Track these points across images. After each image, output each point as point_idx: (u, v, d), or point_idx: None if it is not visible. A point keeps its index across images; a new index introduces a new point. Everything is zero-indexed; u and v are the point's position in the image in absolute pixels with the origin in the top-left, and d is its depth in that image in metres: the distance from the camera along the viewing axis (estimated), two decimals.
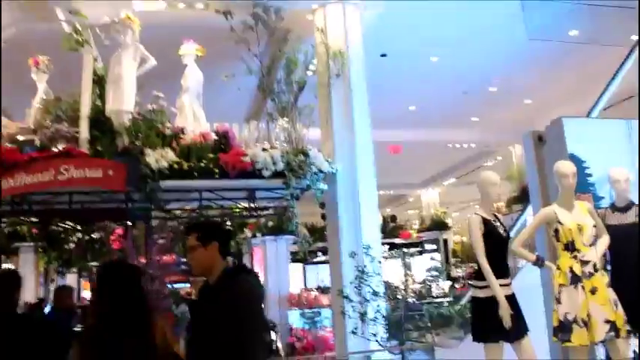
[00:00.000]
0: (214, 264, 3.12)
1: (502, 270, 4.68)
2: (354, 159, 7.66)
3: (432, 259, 19.85)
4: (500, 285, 4.56)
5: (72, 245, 15.18)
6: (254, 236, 14.31)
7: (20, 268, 17.54)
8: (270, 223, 13.67)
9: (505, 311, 4.47)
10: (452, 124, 14.69)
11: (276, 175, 7.07)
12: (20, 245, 16.51)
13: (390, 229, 20.05)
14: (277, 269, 13.81)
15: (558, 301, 4.60)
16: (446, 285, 10.82)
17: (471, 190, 21.08)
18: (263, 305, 3.20)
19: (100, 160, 6.83)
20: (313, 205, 18.04)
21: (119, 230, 17.84)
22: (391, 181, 17.87)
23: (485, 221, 4.74)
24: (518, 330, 4.59)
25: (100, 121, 7.14)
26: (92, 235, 13.61)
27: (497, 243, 4.72)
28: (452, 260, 21.01)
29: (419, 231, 21.78)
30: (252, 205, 7.76)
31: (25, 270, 16.84)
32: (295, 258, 19.88)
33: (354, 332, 5.77)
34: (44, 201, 7.38)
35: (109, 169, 6.81)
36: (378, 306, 5.89)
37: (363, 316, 5.78)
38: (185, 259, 20.27)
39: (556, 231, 4.73)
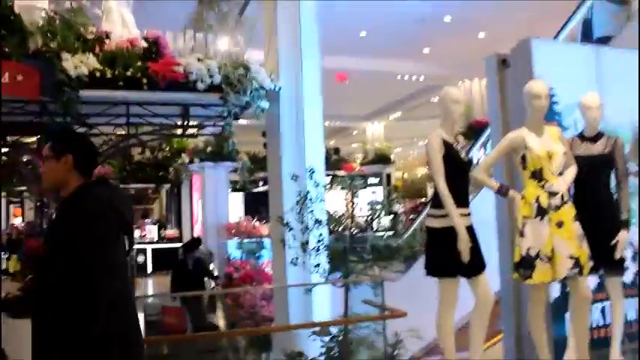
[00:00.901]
0: (67, 180, 2.62)
1: (462, 198, 4.11)
2: (299, 76, 6.90)
3: (374, 192, 19.71)
4: (460, 215, 4.00)
5: None
6: (191, 162, 13.44)
7: None
8: (210, 149, 12.83)
9: (464, 244, 3.93)
10: (402, 54, 13.97)
11: (213, 89, 6.27)
12: None
13: (333, 161, 19.53)
14: (216, 197, 13.08)
15: (521, 235, 4.08)
16: (387, 220, 10.40)
17: (416, 126, 20.82)
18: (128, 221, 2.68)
19: (8, 63, 5.85)
20: (256, 134, 17.31)
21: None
22: (336, 112, 17.15)
23: (447, 143, 4.12)
24: (476, 264, 4.07)
25: (6, 17, 6.08)
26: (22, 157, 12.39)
27: (458, 168, 4.13)
28: (393, 195, 20.76)
29: (362, 164, 21.36)
30: (185, 122, 6.91)
31: None
32: (235, 188, 19.25)
33: (293, 263, 5.17)
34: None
35: (18, 74, 5.83)
36: (320, 235, 5.30)
37: (304, 245, 5.17)
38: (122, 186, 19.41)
39: (523, 158, 4.16)
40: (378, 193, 18.73)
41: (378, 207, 6.66)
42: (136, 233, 18.07)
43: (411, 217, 16.60)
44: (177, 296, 8.56)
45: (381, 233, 7.01)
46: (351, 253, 5.40)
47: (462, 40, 12.81)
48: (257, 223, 12.50)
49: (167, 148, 16.57)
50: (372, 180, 20.19)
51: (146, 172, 16.85)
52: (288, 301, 6.61)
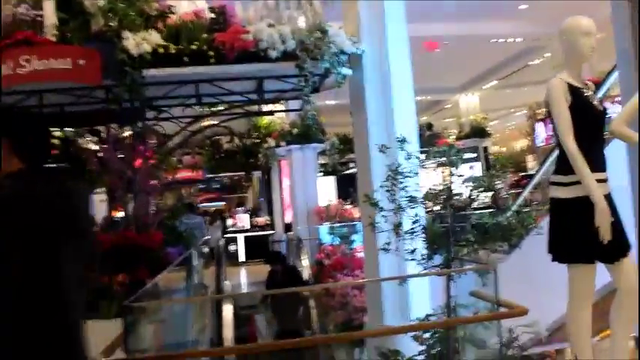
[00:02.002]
0: (7, 167, 2.12)
1: (597, 160, 3.17)
2: (383, 38, 6.04)
3: (471, 167, 18.49)
4: (597, 181, 3.07)
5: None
6: (278, 146, 12.90)
7: None
8: (295, 130, 12.22)
9: (605, 217, 3.00)
10: (496, 14, 12.69)
11: (287, 57, 5.56)
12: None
13: (427, 137, 18.47)
14: (304, 181, 12.47)
15: None
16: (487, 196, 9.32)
17: (514, 95, 19.28)
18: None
19: (68, 48, 5.42)
20: (344, 114, 16.56)
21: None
22: (426, 85, 16.04)
23: (574, 89, 3.19)
24: (618, 245, 3.14)
25: (68, 0, 5.67)
26: None
27: (590, 121, 3.20)
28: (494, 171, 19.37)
29: (457, 139, 20.11)
30: (261, 97, 6.26)
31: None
32: (326, 171, 18.65)
33: (385, 249, 4.38)
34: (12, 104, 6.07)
35: (80, 59, 5.39)
36: (416, 215, 4.47)
37: (397, 228, 4.35)
38: (212, 175, 19.30)
39: None
40: (476, 168, 17.54)
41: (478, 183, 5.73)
42: (229, 222, 17.89)
43: (512, 192, 15.39)
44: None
45: (482, 211, 6.09)
46: (452, 234, 4.54)
47: None
48: (348, 206, 11.77)
49: (255, 134, 16.26)
50: (468, 155, 18.95)
51: (235, 160, 16.63)
52: (382, 292, 5.85)
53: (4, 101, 6.17)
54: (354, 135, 6.34)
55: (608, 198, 3.14)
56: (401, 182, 4.42)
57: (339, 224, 11.50)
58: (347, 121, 17.91)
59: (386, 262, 5.72)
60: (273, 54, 5.48)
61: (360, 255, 10.06)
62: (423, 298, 5.73)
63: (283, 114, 13.79)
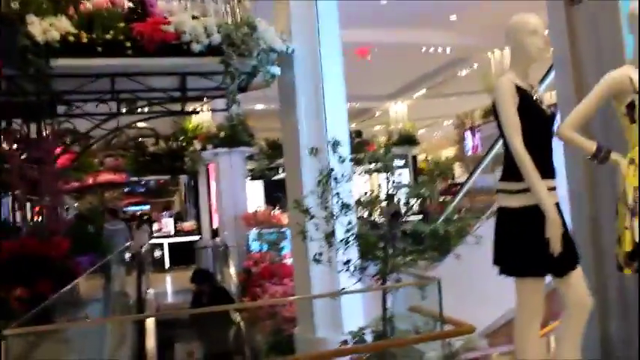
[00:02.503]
0: None
1: (547, 166, 2.90)
2: (314, 37, 5.68)
3: (400, 175, 18.47)
4: (547, 189, 2.80)
5: None
6: (204, 149, 12.31)
7: None
8: (222, 133, 11.68)
9: (556, 228, 2.73)
10: (428, 23, 12.63)
11: (212, 51, 5.09)
12: None
13: (356, 144, 18.30)
14: (232, 186, 11.95)
15: (633, 213, 2.87)
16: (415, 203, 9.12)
17: (441, 105, 19.43)
18: None
19: None
20: (273, 119, 16.11)
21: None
22: (356, 92, 15.87)
23: (521, 90, 2.91)
24: (568, 257, 2.87)
25: None
26: None
27: (539, 125, 2.92)
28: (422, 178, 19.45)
29: (386, 146, 20.06)
30: (183, 94, 5.76)
31: None
32: (254, 176, 18.16)
33: (316, 260, 3.99)
34: None
35: None
36: (349, 224, 4.12)
37: (329, 237, 3.98)
38: (136, 178, 18.40)
39: (630, 106, 2.94)
40: (404, 176, 17.51)
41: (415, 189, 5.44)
42: (155, 227, 17.12)
43: (441, 199, 15.39)
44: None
45: (414, 218, 5.81)
46: (388, 243, 4.21)
47: (493, 4, 11.45)
48: (277, 212, 11.34)
49: (181, 138, 15.58)
50: (397, 162, 18.92)
51: (161, 163, 15.87)
52: (313, 303, 5.47)
53: None
54: (283, 138, 5.95)
55: (558, 207, 2.87)
56: (333, 189, 4.05)
57: (267, 230, 11.04)
58: (276, 126, 17.51)
59: (317, 271, 5.34)
60: (197, 47, 5.01)
61: (290, 262, 9.69)
62: (356, 308, 5.40)
63: (210, 116, 13.24)
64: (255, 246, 10.78)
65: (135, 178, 16.84)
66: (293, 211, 5.29)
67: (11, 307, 4.08)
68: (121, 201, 24.12)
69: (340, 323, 5.46)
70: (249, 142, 12.03)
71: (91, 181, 15.45)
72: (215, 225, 14.20)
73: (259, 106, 17.02)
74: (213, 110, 7.59)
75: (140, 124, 17.19)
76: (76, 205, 21.78)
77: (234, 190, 11.92)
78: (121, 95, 5.80)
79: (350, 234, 3.97)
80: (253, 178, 17.89)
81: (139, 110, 6.34)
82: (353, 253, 4.08)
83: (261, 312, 7.44)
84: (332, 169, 4.08)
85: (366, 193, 4.29)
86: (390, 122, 20.60)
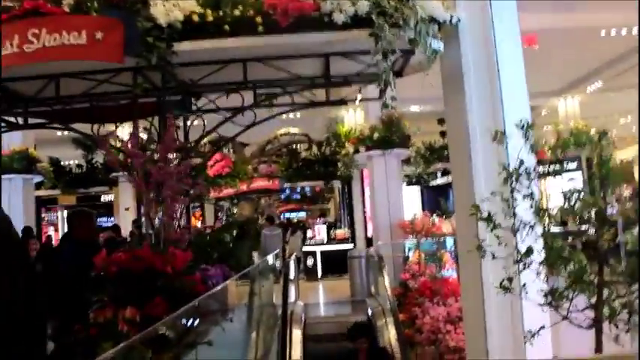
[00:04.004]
0: None
1: None
2: (484, 2, 4.44)
3: (572, 179, 16.24)
4: None
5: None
6: (356, 152, 11.38)
7: (120, 198, 16.10)
8: (376, 135, 10.67)
9: None
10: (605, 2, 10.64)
11: (358, 23, 4.08)
12: (118, 175, 14.60)
13: None
14: (387, 191, 10.88)
15: None
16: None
17: (617, 100, 16.84)
18: None
19: (84, 19, 4.21)
20: (431, 123, 14.81)
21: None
22: None
23: None
24: None
25: None
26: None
27: None
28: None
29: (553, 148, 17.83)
30: (327, 81, 4.79)
31: (125, 200, 15.30)
32: (410, 181, 17.00)
33: (505, 287, 2.76)
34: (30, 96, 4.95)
35: (98, 31, 4.15)
36: (544, 234, 2.83)
37: (524, 255, 2.74)
38: (288, 185, 18.04)
39: None
40: (577, 180, 15.32)
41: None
42: (308, 234, 16.63)
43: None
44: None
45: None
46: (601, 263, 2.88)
47: None
48: (436, 219, 10.06)
49: (334, 143, 14.89)
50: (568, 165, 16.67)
51: (314, 169, 15.32)
52: (488, 337, 4.22)
53: (17, 91, 5.09)
54: (448, 128, 4.75)
55: None
56: (519, 189, 2.82)
57: (425, 239, 9.81)
58: (433, 129, 16.22)
59: (491, 294, 4.11)
60: (340, 18, 4.02)
61: (451, 273, 8.42)
62: (544, 347, 4.06)
63: (362, 118, 12.32)
64: (412, 257, 9.62)
65: (287, 185, 16.44)
66: (462, 219, 4.13)
67: (117, 330, 3.36)
68: (277, 208, 24.23)
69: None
70: (405, 143, 10.90)
71: (245, 187, 15.28)
72: (369, 233, 13.24)
73: (414, 108, 15.87)
74: (363, 100, 6.52)
75: (292, 130, 16.96)
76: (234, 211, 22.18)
77: (389, 196, 10.85)
78: (256, 86, 4.98)
79: (553, 252, 2.70)
80: (409, 183, 16.73)
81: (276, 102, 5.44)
82: (559, 281, 2.81)
83: (419, 337, 6.29)
84: (522, 162, 2.85)
85: (568, 195, 2.99)
86: (558, 122, 18.32)
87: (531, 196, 2.78)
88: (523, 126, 2.95)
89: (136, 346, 2.98)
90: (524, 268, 2.69)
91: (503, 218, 2.84)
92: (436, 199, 15.45)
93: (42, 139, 13.74)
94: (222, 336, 4.57)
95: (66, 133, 10.65)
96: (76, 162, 15.93)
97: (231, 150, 16.04)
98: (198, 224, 21.22)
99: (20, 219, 10.84)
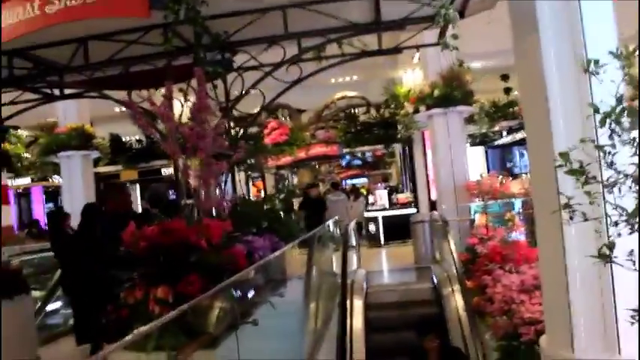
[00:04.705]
0: None
1: None
2: None
3: None
4: None
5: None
6: (416, 111, 10.72)
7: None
8: (437, 92, 9.96)
9: None
10: None
11: None
12: None
13: None
14: (450, 151, 10.20)
15: None
16: None
17: None
18: None
19: None
20: (494, 81, 13.80)
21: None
22: None
23: None
24: None
25: None
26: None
27: None
28: None
29: None
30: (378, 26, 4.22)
31: None
32: (475, 142, 16.13)
33: (604, 255, 2.17)
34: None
35: None
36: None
37: (630, 216, 2.15)
38: (348, 150, 17.52)
39: None
40: None
41: None
42: (370, 199, 16.16)
43: None
44: None
45: None
46: None
47: None
48: (504, 180, 9.33)
49: (392, 104, 14.19)
50: None
51: (372, 133, 14.69)
52: (572, 306, 3.64)
53: (50, 60, 4.78)
54: (519, 72, 4.07)
55: None
56: (624, 130, 2.23)
57: (493, 201, 9.13)
58: (497, 87, 15.20)
59: (576, 262, 3.53)
60: None
61: (523, 240, 7.76)
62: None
63: (421, 76, 11.58)
64: (478, 220, 8.98)
65: (346, 150, 15.87)
66: (539, 175, 3.54)
67: (150, 310, 3.00)
68: (337, 174, 23.78)
69: (614, 341, 3.59)
70: (467, 100, 10.15)
71: (304, 154, 14.87)
72: (433, 197, 12.61)
73: (475, 64, 14.95)
74: (422, 46, 5.88)
75: (350, 94, 16.33)
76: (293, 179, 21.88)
77: (452, 157, 10.18)
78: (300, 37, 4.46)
79: None
80: (474, 144, 15.86)
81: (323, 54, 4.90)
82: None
83: (490, 307, 5.73)
84: (622, 97, 2.24)
85: None
86: None
87: (634, 142, 2.17)
88: (620, 53, 2.33)
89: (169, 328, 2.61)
90: (630, 233, 2.11)
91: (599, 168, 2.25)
92: (502, 159, 14.61)
93: (99, 116, 13.74)
94: (273, 310, 4.20)
95: (123, 109, 10.50)
96: (137, 137, 15.93)
97: (288, 117, 15.63)
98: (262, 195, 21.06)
99: (80, 196, 10.86)
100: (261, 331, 3.67)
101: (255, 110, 6.21)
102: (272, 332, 4.27)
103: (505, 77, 15.36)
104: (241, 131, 7.25)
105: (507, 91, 15.09)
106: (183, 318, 2.78)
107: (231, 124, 6.42)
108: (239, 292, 3.43)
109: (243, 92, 4.96)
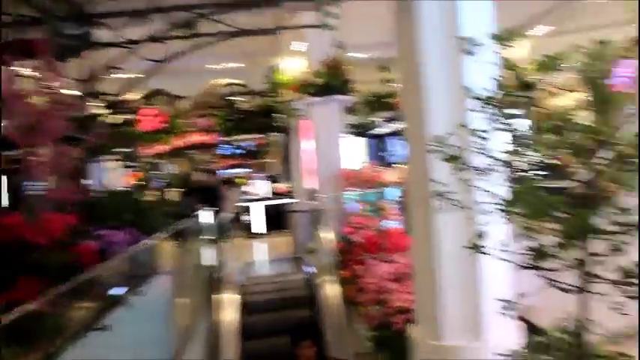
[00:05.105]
0: None
1: None
2: None
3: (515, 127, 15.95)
4: None
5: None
6: (297, 100, 10.53)
7: None
8: (319, 80, 9.81)
9: None
10: None
11: None
12: None
13: None
14: (329, 141, 10.13)
15: None
16: None
17: (563, 45, 16.45)
18: None
19: None
20: (373, 70, 13.98)
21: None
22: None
23: None
24: None
25: None
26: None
27: None
28: None
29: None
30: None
31: None
32: (355, 131, 16.30)
33: (478, 248, 2.05)
34: None
35: None
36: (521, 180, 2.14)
37: (508, 204, 2.02)
38: (226, 139, 17.06)
39: None
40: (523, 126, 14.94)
41: None
42: (248, 189, 15.85)
43: None
44: None
45: None
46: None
47: None
48: (381, 168, 9.41)
49: (275, 93, 13.93)
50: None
51: (252, 121, 14.36)
52: (440, 296, 3.60)
53: None
54: (399, 58, 3.94)
55: None
56: (498, 118, 2.12)
57: (369, 190, 9.17)
58: (376, 78, 15.48)
59: (447, 251, 3.49)
60: None
61: (396, 228, 7.81)
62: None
63: (302, 64, 11.39)
64: (355, 209, 8.98)
65: (225, 139, 15.46)
66: (415, 163, 3.44)
67: None
68: (217, 163, 23.17)
69: (481, 330, 3.60)
70: (348, 90, 10.10)
71: (182, 143, 14.27)
72: (312, 186, 12.54)
73: (357, 55, 15.09)
74: (300, 27, 5.66)
75: (231, 81, 15.88)
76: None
77: (331, 146, 10.11)
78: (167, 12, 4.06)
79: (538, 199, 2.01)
80: (356, 134, 16.02)
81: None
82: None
83: (363, 296, 5.68)
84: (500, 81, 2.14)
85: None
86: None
87: (510, 127, 2.07)
88: (496, 36, 2.22)
89: None
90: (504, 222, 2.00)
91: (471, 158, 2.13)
92: (382, 149, 14.87)
93: None
94: (134, 312, 3.80)
95: None
96: None
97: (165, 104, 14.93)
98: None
99: None
100: (117, 337, 3.27)
101: (128, 96, 5.69)
102: (130, 336, 3.87)
103: (384, 68, 15.66)
104: (109, 116, 6.66)
105: (386, 82, 15.41)
106: (12, 328, 2.35)
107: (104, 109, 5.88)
108: (88, 294, 3.02)
109: (108, 71, 4.46)
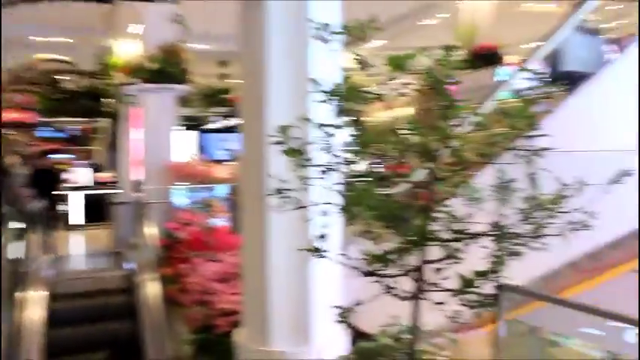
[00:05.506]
0: None
1: None
2: None
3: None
4: None
5: None
6: (129, 85, 9.79)
7: None
8: (153, 66, 9.22)
9: None
10: None
11: None
12: None
13: None
14: (159, 130, 9.59)
15: None
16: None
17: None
18: None
19: None
20: (211, 64, 13.59)
21: None
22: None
23: None
24: None
25: None
26: None
27: None
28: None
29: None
30: None
31: None
32: (190, 125, 15.72)
33: (317, 251, 1.89)
34: None
35: None
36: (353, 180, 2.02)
37: (350, 205, 1.86)
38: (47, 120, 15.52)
39: None
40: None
41: None
42: (68, 177, 14.49)
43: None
44: None
45: None
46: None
47: None
48: (213, 164, 9.09)
49: (104, 75, 12.87)
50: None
51: (78, 103, 13.12)
52: (269, 300, 3.43)
53: None
54: (243, 44, 3.69)
55: None
56: (342, 112, 1.98)
57: (198, 186, 8.79)
58: (214, 72, 15.06)
59: (281, 250, 3.32)
60: None
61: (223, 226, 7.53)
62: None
63: (138, 48, 10.67)
64: (183, 204, 8.56)
65: (45, 119, 14.02)
66: (251, 158, 3.23)
67: None
68: (35, 146, 21.06)
69: (307, 333, 3.49)
70: (184, 79, 9.62)
71: None
72: (138, 177, 11.79)
73: (197, 46, 14.59)
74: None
75: (55, 57, 14.43)
76: None
77: (161, 137, 9.58)
78: None
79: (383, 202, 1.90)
80: (189, 127, 15.41)
81: None
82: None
83: (185, 295, 5.34)
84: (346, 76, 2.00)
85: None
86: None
87: (356, 122, 1.94)
88: (340, 29, 2.09)
89: None
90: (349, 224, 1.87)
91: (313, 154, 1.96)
92: (216, 144, 14.51)
93: None
94: None
95: None
96: None
97: None
98: None
99: None
100: None
101: None
102: None
103: (223, 63, 15.32)
104: None
105: (223, 77, 15.13)
106: None
107: None
108: None
109: None
